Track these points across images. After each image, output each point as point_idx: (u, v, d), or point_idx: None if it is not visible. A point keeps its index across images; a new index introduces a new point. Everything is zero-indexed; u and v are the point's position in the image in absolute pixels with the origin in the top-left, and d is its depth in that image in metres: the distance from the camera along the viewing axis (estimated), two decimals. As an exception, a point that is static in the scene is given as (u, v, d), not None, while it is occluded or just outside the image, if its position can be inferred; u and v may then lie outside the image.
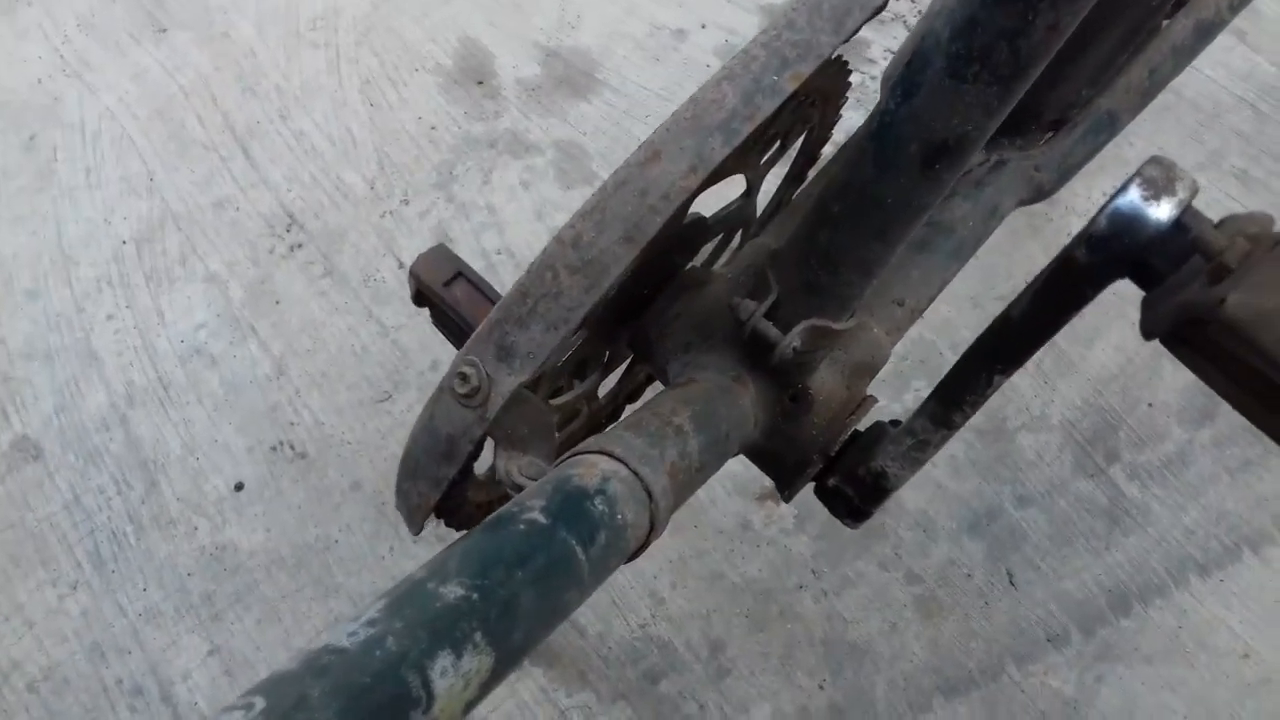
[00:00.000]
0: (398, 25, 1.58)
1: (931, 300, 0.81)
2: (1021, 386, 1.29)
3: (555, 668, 1.19)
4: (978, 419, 1.28)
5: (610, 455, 0.58)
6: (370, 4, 1.59)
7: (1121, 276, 0.54)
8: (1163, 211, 0.49)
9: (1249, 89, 1.43)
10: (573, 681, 1.18)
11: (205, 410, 1.33)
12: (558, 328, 0.59)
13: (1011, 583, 1.19)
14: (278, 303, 1.39)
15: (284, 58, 1.56)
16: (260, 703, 0.37)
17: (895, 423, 0.75)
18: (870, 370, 0.77)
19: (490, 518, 0.51)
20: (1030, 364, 1.31)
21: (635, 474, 0.57)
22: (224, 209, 1.45)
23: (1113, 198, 0.51)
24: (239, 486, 1.29)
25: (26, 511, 1.29)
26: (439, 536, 1.25)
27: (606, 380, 0.92)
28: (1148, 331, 0.52)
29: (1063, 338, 1.35)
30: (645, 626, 1.20)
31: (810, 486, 0.79)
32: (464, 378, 0.60)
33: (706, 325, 0.75)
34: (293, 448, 1.31)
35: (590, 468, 0.56)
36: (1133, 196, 0.50)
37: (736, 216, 0.82)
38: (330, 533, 1.26)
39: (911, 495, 1.24)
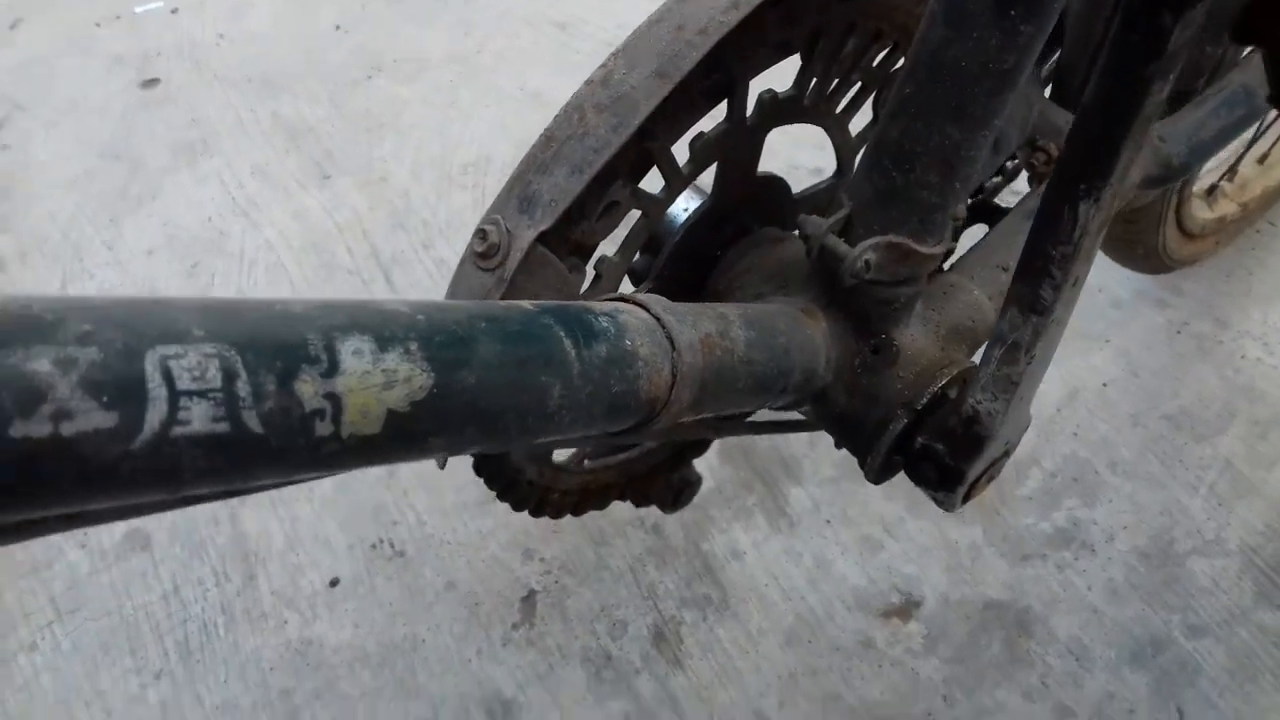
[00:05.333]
0: (543, 165, 1.63)
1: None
2: (1191, 507, 1.13)
3: (643, 788, 1.05)
4: (1140, 540, 1.13)
5: (632, 301, 0.51)
6: (518, 151, 1.65)
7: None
8: None
9: None
10: (662, 806, 1.04)
11: (313, 507, 1.30)
12: (582, 170, 0.54)
13: (1184, 722, 1.01)
14: (397, 409, 1.37)
15: (434, 198, 1.62)
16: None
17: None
18: (970, 335, 0.68)
19: None
20: (1201, 484, 1.16)
21: (657, 319, 0.50)
22: (359, 324, 1.47)
23: None
24: (334, 582, 1.24)
25: (126, 600, 1.27)
26: (529, 640, 1.16)
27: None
28: None
29: (1239, 458, 1.20)
30: (747, 750, 1.05)
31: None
32: (483, 235, 0.55)
33: (779, 276, 0.68)
34: (392, 545, 1.26)
35: (603, 302, 0.50)
36: None
37: (825, 199, 0.77)
38: (419, 632, 1.18)
39: (1063, 620, 1.08)
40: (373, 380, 0.36)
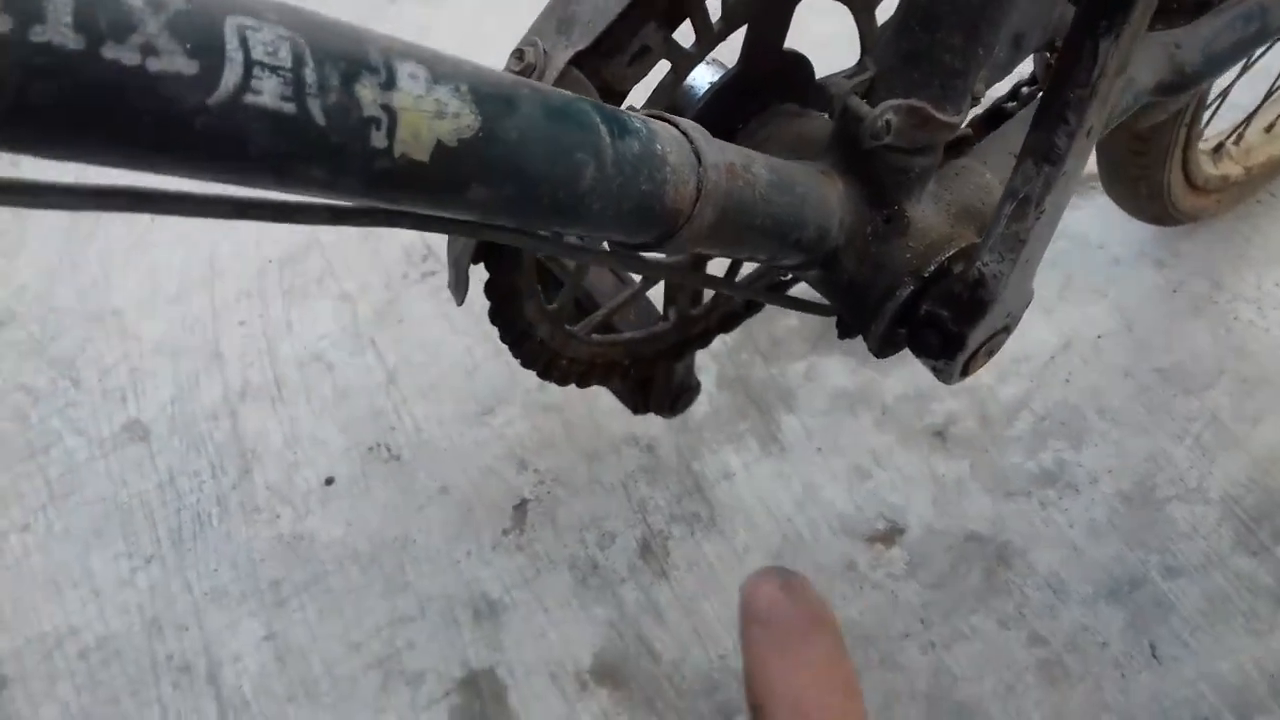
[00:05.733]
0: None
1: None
2: (1175, 456, 1.16)
3: (622, 690, 1.07)
4: (1124, 484, 1.15)
5: (662, 118, 0.53)
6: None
7: None
8: None
9: None
10: (640, 708, 1.06)
11: (312, 409, 1.32)
12: (621, -6, 0.56)
13: (1154, 656, 1.03)
14: (401, 321, 1.39)
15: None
16: None
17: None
18: (979, 217, 0.70)
19: None
20: (1187, 434, 1.18)
21: (686, 135, 0.52)
22: (367, 239, 1.48)
23: None
24: (329, 481, 1.25)
25: (121, 487, 1.28)
26: (518, 545, 1.18)
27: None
28: None
29: (1225, 413, 1.22)
30: (725, 658, 1.07)
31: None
32: (520, 55, 0.57)
33: (799, 147, 0.70)
34: (389, 449, 1.27)
35: (636, 111, 0.52)
36: None
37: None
38: (410, 532, 1.20)
39: (1043, 555, 1.10)
40: (425, 106, 0.38)
